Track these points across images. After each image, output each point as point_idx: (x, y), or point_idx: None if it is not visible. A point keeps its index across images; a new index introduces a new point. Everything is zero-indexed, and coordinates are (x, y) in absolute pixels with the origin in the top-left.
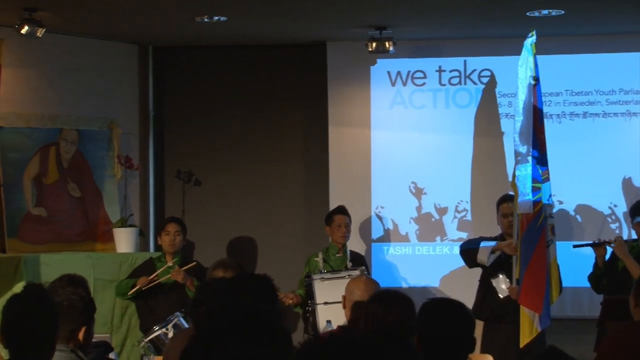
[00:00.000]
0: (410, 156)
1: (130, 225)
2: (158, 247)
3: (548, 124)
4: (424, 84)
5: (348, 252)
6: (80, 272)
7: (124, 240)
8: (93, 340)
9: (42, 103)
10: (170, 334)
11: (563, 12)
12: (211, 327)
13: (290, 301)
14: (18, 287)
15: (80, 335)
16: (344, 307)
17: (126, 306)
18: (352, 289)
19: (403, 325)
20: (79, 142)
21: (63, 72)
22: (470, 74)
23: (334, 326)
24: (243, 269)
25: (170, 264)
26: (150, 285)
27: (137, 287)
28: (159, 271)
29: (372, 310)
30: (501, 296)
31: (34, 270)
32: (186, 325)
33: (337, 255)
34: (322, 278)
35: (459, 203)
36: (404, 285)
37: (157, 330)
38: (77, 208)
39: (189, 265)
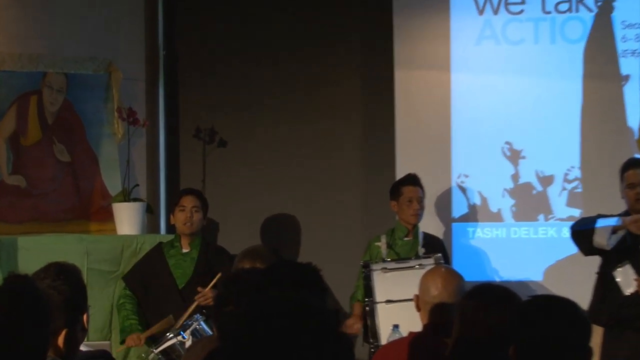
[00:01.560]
0: (503, 108)
1: (135, 200)
2: (171, 228)
3: None
4: (521, 11)
5: (420, 235)
6: (70, 259)
7: (126, 219)
8: (89, 349)
9: (19, 39)
10: (189, 343)
11: None
12: (241, 333)
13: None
14: None
15: (60, 340)
16: (418, 308)
17: None
18: (427, 285)
19: (505, 330)
20: (68, 90)
21: (46, 0)
22: None
23: (404, 332)
24: (280, 258)
25: (196, 303)
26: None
27: (126, 345)
28: (180, 323)
29: (470, 310)
30: (627, 293)
31: (10, 257)
32: (208, 331)
33: (406, 238)
34: (385, 269)
35: (568, 170)
36: (496, 278)
37: (171, 337)
38: (65, 177)
39: (215, 280)
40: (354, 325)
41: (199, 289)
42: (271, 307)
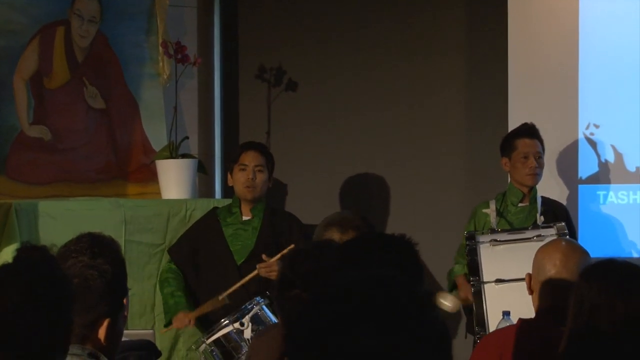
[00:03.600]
0: None
1: (184, 156)
2: (228, 191)
3: None
4: None
5: (539, 200)
6: (105, 229)
7: (173, 180)
8: (128, 339)
9: None
10: (248, 332)
11: None
12: (308, 324)
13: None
14: (7, 253)
15: (101, 333)
16: (530, 291)
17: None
18: (542, 262)
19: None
20: (102, 20)
21: None
22: None
23: (514, 320)
24: (372, 228)
25: (256, 272)
26: (226, 293)
27: (172, 327)
28: (233, 288)
29: (588, 293)
30: None
31: (30, 226)
32: (272, 319)
33: (521, 204)
34: (495, 241)
35: None
36: (634, 254)
37: (226, 324)
38: (98, 127)
39: (285, 251)
40: (467, 297)
41: (264, 256)
42: (347, 291)
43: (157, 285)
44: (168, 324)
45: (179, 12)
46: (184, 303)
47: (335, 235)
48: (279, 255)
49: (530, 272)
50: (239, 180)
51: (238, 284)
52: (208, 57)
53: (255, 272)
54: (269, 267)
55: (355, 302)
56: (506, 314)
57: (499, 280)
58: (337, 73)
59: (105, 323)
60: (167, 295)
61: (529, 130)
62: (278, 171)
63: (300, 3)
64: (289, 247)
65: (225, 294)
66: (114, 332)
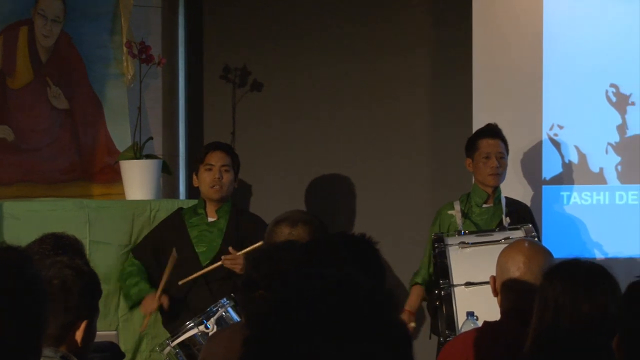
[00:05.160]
0: (608, 42)
1: (149, 156)
2: (193, 191)
3: None
4: None
5: (503, 201)
6: (69, 230)
7: (137, 181)
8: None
9: None
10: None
11: None
12: (272, 323)
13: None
14: None
15: (79, 335)
16: (495, 293)
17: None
18: (506, 264)
19: (605, 319)
20: (66, 20)
21: None
22: None
23: (479, 322)
24: (325, 228)
25: (220, 262)
26: (186, 280)
27: (147, 319)
28: (194, 275)
29: (553, 294)
30: None
31: None
32: (237, 319)
33: (485, 205)
34: (463, 243)
35: None
36: (598, 255)
37: (191, 327)
38: (62, 128)
39: (253, 247)
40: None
41: (231, 249)
42: (310, 290)
43: (120, 281)
44: (137, 304)
45: (144, 12)
46: (147, 289)
47: (285, 230)
48: (245, 250)
49: (494, 275)
50: (205, 180)
51: (200, 272)
52: (172, 57)
53: (220, 263)
54: (234, 259)
55: (315, 307)
56: (470, 314)
57: (468, 283)
58: (302, 73)
59: (83, 325)
60: (129, 286)
61: (491, 131)
62: (243, 172)
63: (265, 3)
64: (258, 244)
65: (185, 280)
66: (90, 334)
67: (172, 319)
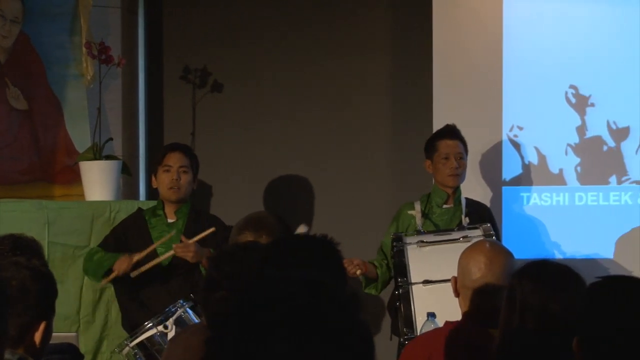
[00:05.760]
0: (568, 43)
1: (108, 157)
2: (153, 193)
3: None
4: None
5: (463, 201)
6: (28, 231)
7: (97, 181)
8: (51, 342)
9: None
10: (172, 334)
11: None
12: (234, 324)
13: (357, 271)
14: None
15: (37, 336)
16: (456, 294)
17: (101, 290)
18: (468, 265)
19: (573, 319)
20: (25, 21)
21: None
22: None
23: (440, 322)
24: (288, 229)
25: (173, 232)
26: (138, 271)
27: (114, 273)
28: (154, 245)
29: (521, 294)
30: None
31: None
32: (196, 321)
33: (445, 206)
34: (422, 242)
35: None
36: (557, 255)
37: (150, 327)
38: (21, 128)
39: (205, 233)
40: (352, 261)
41: (183, 237)
42: (271, 291)
43: (84, 274)
44: (108, 272)
45: (103, 12)
46: (119, 255)
47: (249, 237)
48: (197, 237)
49: (455, 276)
50: (163, 181)
51: (153, 262)
52: (132, 58)
53: (172, 252)
54: (186, 247)
55: (276, 308)
56: (431, 315)
57: (426, 281)
58: (262, 74)
59: (42, 326)
60: (99, 258)
61: (450, 132)
62: (203, 172)
63: (225, 4)
64: (209, 230)
65: (137, 272)
66: (48, 334)
67: (132, 320)
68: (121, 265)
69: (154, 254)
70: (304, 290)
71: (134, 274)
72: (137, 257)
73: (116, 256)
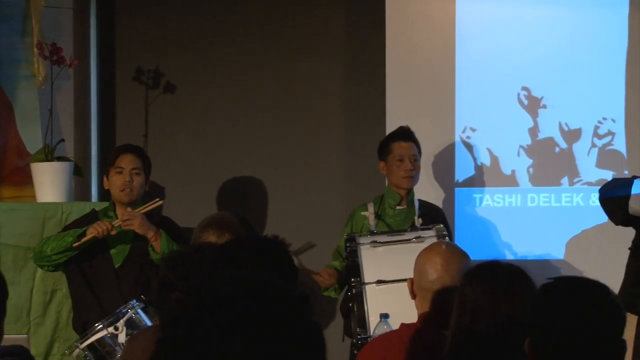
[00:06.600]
0: (520, 45)
1: (60, 159)
2: (105, 194)
3: None
4: None
5: (416, 203)
6: None
7: (49, 183)
8: (1, 344)
9: None
10: (122, 336)
11: None
12: (186, 325)
13: (322, 280)
14: None
15: None
16: (413, 295)
17: (52, 291)
18: (424, 266)
19: (523, 320)
20: None
21: None
22: None
23: (394, 324)
24: (252, 230)
25: (118, 221)
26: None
27: (91, 235)
28: (86, 238)
29: (471, 295)
30: None
31: None
32: (148, 322)
33: (398, 207)
34: (375, 242)
35: (600, 122)
36: (509, 256)
37: (100, 329)
38: None
39: (151, 204)
40: (322, 273)
41: (128, 209)
42: (222, 292)
43: (35, 264)
44: (81, 235)
45: (55, 13)
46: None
47: (211, 238)
48: (142, 208)
49: (412, 277)
50: (115, 183)
51: (88, 237)
52: (84, 58)
53: (119, 222)
54: (131, 218)
55: (226, 310)
56: (384, 316)
57: (380, 281)
58: (215, 75)
59: None
60: (57, 235)
61: (404, 134)
62: (155, 174)
63: (178, 6)
64: (155, 201)
65: (79, 242)
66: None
67: (83, 321)
68: (99, 227)
69: (112, 277)
70: (254, 291)
71: (76, 244)
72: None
73: (78, 230)
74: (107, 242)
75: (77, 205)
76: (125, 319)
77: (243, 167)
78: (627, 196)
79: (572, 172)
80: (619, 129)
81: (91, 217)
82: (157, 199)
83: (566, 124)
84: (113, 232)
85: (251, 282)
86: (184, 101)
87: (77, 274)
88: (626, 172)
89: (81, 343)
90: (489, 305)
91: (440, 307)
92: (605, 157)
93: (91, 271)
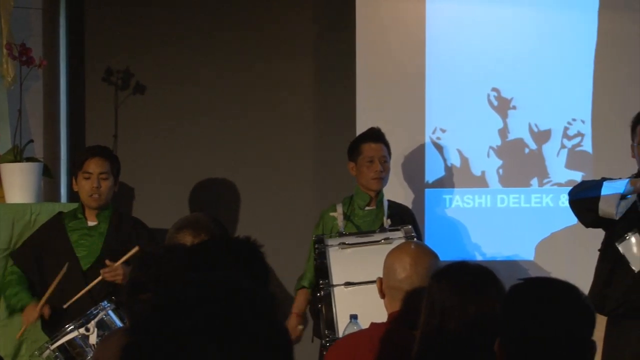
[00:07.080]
0: (490, 46)
1: (29, 159)
2: (74, 195)
3: None
4: None
5: (386, 204)
6: None
7: (18, 184)
8: None
9: None
10: (93, 337)
11: None
12: (155, 326)
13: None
14: None
15: None
16: (382, 295)
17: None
18: (393, 266)
19: (492, 321)
20: None
21: None
22: None
23: (363, 324)
24: (226, 231)
25: (100, 277)
26: (70, 302)
27: (24, 327)
28: (54, 284)
29: (439, 295)
30: (636, 269)
31: None
32: (118, 323)
33: (368, 208)
34: (343, 244)
35: (569, 123)
36: (478, 257)
37: (71, 330)
38: None
39: (129, 254)
40: (295, 329)
41: (107, 262)
42: (191, 294)
43: (2, 291)
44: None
45: (24, 13)
46: (28, 298)
47: (187, 239)
48: (122, 259)
49: (381, 276)
50: (84, 188)
51: (83, 291)
52: (53, 59)
53: (100, 277)
54: (114, 270)
55: (194, 312)
56: (354, 317)
57: (348, 283)
58: (185, 76)
59: None
60: (9, 297)
61: (374, 135)
62: (125, 175)
63: (147, 6)
64: (133, 250)
65: (69, 302)
66: None
67: (52, 323)
68: (29, 317)
69: (79, 280)
70: (223, 293)
71: (66, 306)
72: (42, 302)
73: (21, 301)
74: (73, 246)
75: (46, 206)
76: (96, 320)
77: (213, 167)
78: (597, 198)
79: (542, 173)
80: (588, 130)
81: (56, 222)
82: (136, 248)
83: (536, 125)
84: (46, 315)
85: (220, 284)
86: (153, 102)
87: (39, 278)
88: (592, 173)
89: (52, 344)
90: (458, 306)
91: (410, 306)
92: (575, 158)
93: (56, 273)
